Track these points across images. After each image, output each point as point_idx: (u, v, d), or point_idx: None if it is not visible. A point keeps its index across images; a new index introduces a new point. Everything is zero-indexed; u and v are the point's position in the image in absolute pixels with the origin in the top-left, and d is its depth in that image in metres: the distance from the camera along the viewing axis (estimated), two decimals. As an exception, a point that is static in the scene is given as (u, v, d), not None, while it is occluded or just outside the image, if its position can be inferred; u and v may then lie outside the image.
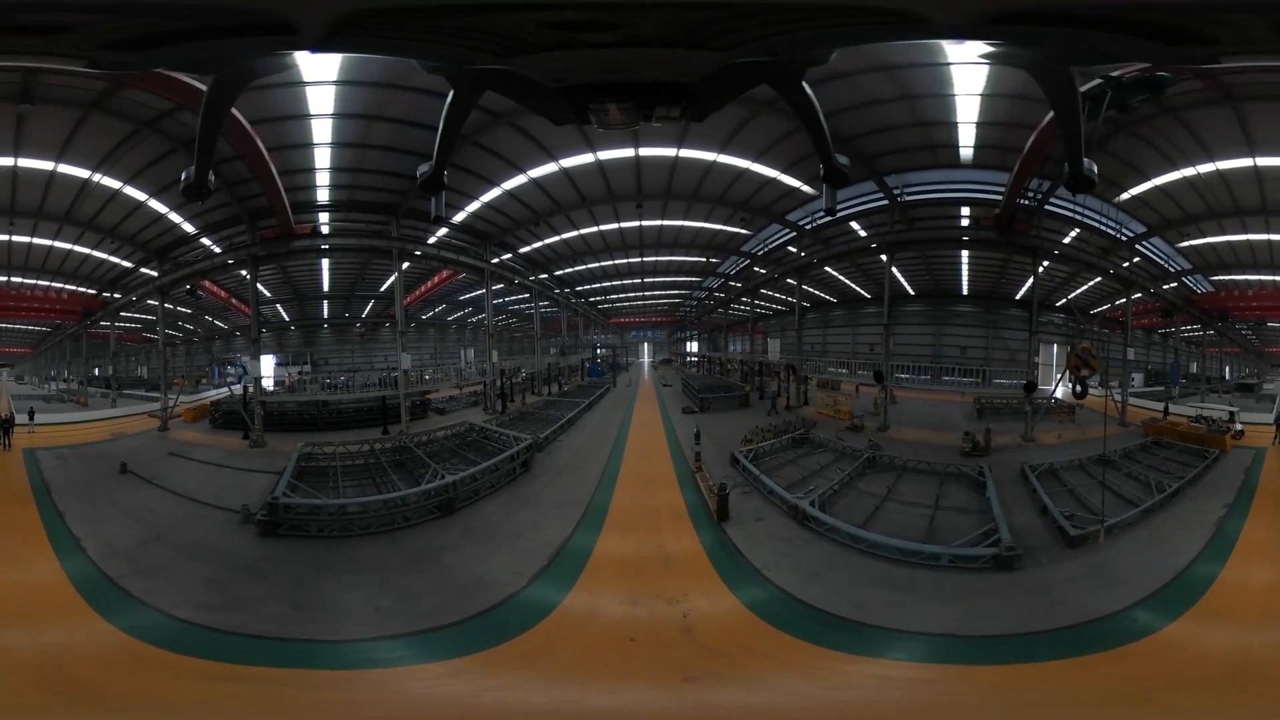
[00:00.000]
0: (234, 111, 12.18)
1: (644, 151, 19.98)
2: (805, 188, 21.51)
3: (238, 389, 19.80)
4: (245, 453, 16.81)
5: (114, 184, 15.54)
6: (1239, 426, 16.17)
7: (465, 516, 13.01)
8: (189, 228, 18.73)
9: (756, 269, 28.86)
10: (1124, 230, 17.78)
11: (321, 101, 14.72)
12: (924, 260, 24.05)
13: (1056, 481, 14.00)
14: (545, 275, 30.01)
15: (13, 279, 17.80)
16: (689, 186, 22.64)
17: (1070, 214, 18.93)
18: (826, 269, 26.86)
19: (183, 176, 6.56)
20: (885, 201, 20.52)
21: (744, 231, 26.20)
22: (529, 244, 26.81)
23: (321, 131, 15.67)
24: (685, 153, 20.02)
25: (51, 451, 15.70)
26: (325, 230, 19.50)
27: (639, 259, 30.13)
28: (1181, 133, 13.30)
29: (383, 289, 27.99)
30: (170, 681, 6.94)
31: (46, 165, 14.32)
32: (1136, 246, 18.46)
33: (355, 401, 20.83)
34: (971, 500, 13.22)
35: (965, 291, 25.67)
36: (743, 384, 31.07)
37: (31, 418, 17.99)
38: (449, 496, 13.14)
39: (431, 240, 22.71)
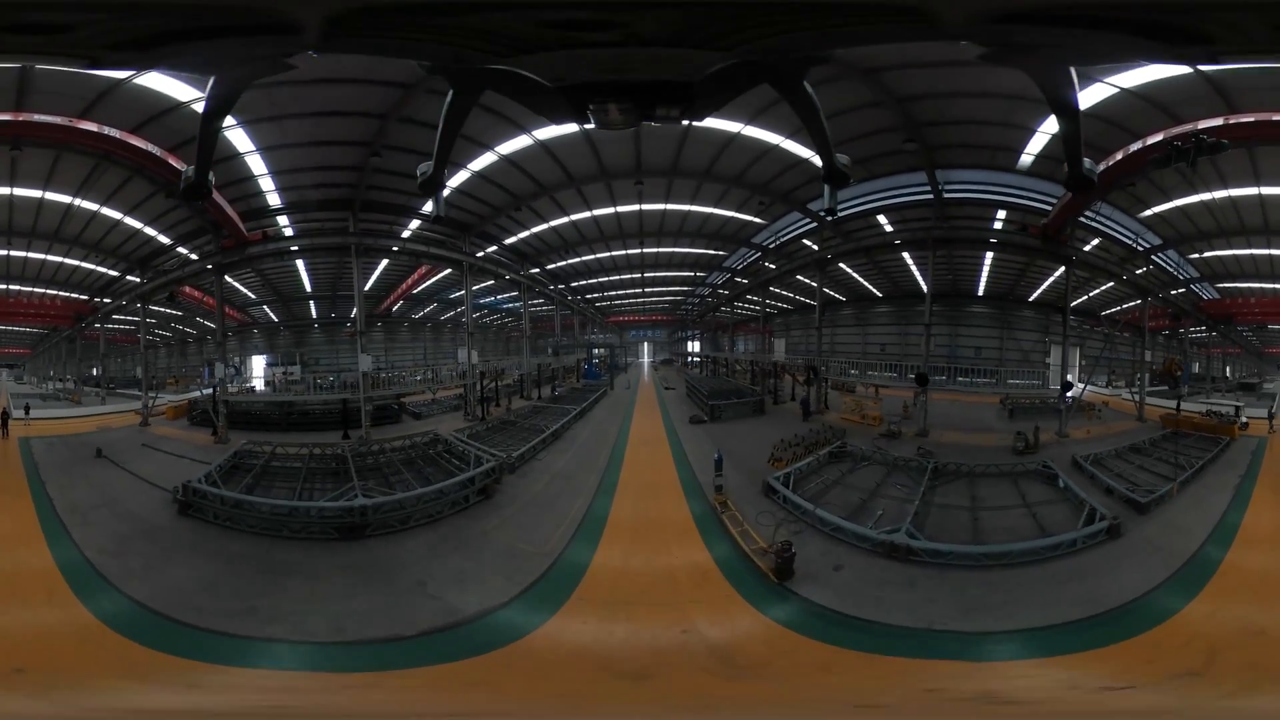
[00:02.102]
0: (150, 145, 14.84)
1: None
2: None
3: (207, 391, 21.53)
4: (209, 447, 18.50)
5: (92, 206, 18.39)
6: (1244, 419, 19.81)
7: (373, 547, 12.01)
8: (165, 239, 20.72)
9: (766, 264, 27.94)
10: (1140, 241, 20.41)
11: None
12: (948, 260, 24.32)
13: (1103, 468, 16.46)
14: (536, 270, 28.90)
15: (11, 287, 21.00)
16: (700, 163, 20.44)
17: (1096, 225, 20.63)
18: (841, 265, 26.37)
19: (183, 176, 6.78)
20: (929, 196, 20.53)
21: (758, 220, 24.70)
22: (514, 234, 25.40)
23: (239, 140, 16.62)
24: (704, 121, 17.82)
25: (43, 440, 18.70)
26: (289, 233, 20.80)
27: (638, 249, 28.67)
28: (1206, 165, 15.54)
29: (366, 287, 28.26)
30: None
31: (36, 193, 17.54)
32: (1152, 257, 21.29)
33: (322, 403, 21.57)
34: (1049, 493, 14.95)
35: (981, 292, 26.04)
36: (753, 387, 29.87)
37: (27, 412, 21.12)
38: (354, 521, 12.21)
39: (405, 234, 22.50)
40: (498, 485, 15.27)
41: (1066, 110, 5.62)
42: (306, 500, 13.52)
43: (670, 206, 24.21)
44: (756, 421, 24.47)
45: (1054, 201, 18.69)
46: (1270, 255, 19.55)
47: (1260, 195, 17.19)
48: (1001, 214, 20.78)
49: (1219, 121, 13.70)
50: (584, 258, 29.52)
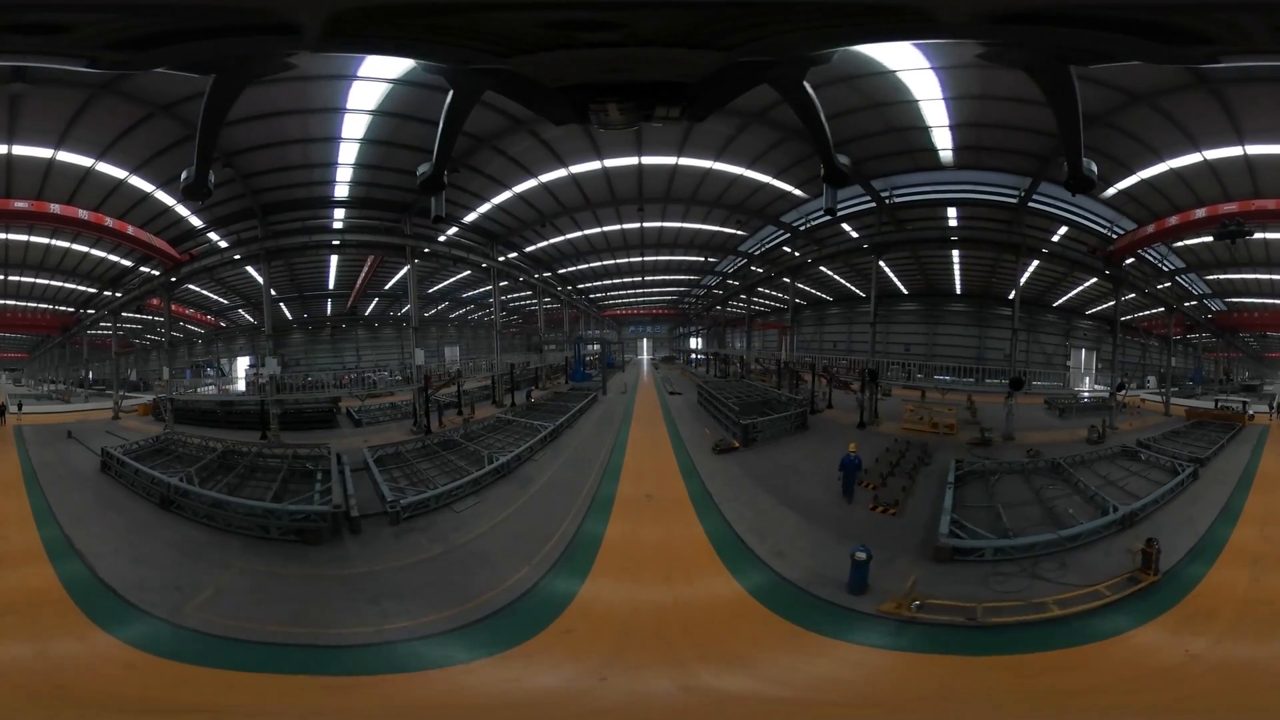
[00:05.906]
0: (75, 209, 20.50)
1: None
2: (945, 151, 19.77)
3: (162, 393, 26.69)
4: (157, 436, 23.76)
5: (64, 244, 25.21)
6: (1251, 413, 27.10)
7: (162, 517, 16.15)
8: (127, 262, 26.46)
9: (790, 249, 27.10)
10: (1166, 262, 26.13)
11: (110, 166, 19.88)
12: (990, 263, 27.09)
13: (1161, 445, 22.13)
14: (514, 254, 27.64)
15: (8, 302, 28.35)
16: (754, 104, 17.05)
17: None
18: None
19: (182, 177, 7.17)
20: (1013, 200, 22.62)
21: (798, 193, 22.21)
22: (474, 209, 23.54)
23: (141, 184, 20.81)
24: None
25: (31, 427, 27.05)
26: (224, 245, 24.94)
27: (637, 224, 25.90)
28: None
29: (331, 285, 29.74)
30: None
31: (23, 237, 24.80)
32: (1176, 277, 27.51)
33: (258, 404, 25.05)
34: (1139, 465, 20.63)
35: (1010, 296, 27.36)
36: (782, 392, 27.92)
37: (19, 408, 28.97)
38: (165, 494, 16.80)
39: (338, 224, 23.78)
40: (350, 536, 13.12)
41: (1066, 111, 6.03)
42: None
43: (684, 161, 19.32)
44: (804, 442, 21.02)
45: (1108, 227, 23.89)
46: (1271, 279, 27.18)
47: (1265, 240, 24.50)
48: (1062, 229, 24.29)
49: (1253, 206, 20.01)
50: (568, 235, 26.81)
